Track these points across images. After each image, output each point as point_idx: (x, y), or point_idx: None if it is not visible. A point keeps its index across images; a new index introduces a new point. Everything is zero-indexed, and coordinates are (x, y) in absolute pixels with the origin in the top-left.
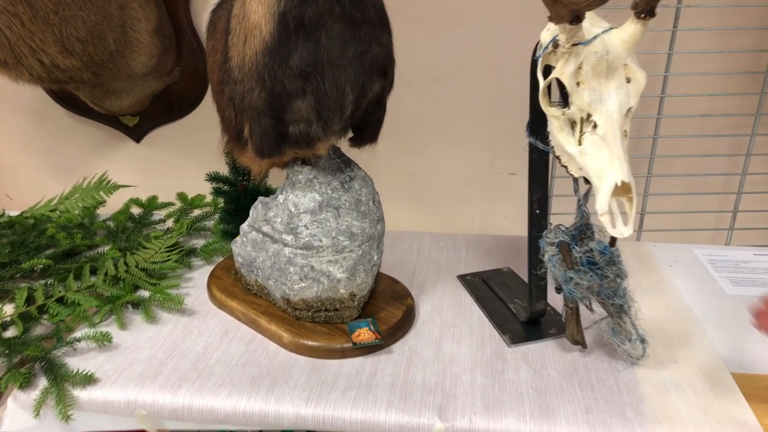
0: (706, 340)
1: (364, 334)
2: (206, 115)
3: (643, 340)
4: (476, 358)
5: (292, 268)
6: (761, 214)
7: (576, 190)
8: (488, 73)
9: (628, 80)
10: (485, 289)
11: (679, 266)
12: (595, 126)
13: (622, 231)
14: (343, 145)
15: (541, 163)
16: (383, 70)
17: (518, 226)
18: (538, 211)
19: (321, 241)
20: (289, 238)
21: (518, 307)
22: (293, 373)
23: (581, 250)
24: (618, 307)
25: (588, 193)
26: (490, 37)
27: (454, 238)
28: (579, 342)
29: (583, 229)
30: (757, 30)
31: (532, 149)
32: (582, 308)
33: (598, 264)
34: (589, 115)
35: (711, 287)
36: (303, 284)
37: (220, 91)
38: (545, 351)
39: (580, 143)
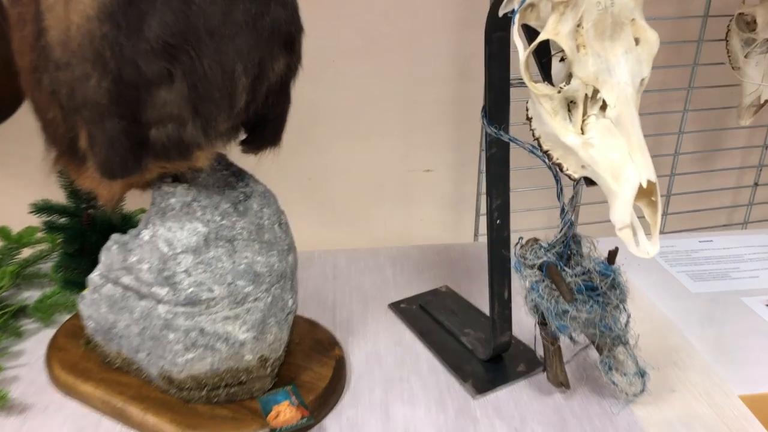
0: (697, 355)
1: (285, 411)
2: (29, 121)
3: (643, 374)
4: (438, 422)
5: (172, 335)
6: (685, 196)
7: (560, 194)
8: (395, 52)
9: (636, 42)
10: (426, 319)
11: (631, 264)
12: (603, 106)
13: (648, 249)
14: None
15: (501, 159)
16: (289, 40)
17: (438, 230)
18: (498, 221)
19: (212, 291)
20: (163, 291)
21: (472, 339)
22: None
23: (575, 272)
24: (616, 338)
25: (574, 198)
26: (396, 7)
27: (375, 254)
28: (563, 383)
29: (569, 243)
30: None
31: (491, 143)
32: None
33: (599, 290)
34: (595, 92)
35: (672, 286)
36: (190, 355)
37: (35, 81)
38: (519, 398)
39: (582, 131)
